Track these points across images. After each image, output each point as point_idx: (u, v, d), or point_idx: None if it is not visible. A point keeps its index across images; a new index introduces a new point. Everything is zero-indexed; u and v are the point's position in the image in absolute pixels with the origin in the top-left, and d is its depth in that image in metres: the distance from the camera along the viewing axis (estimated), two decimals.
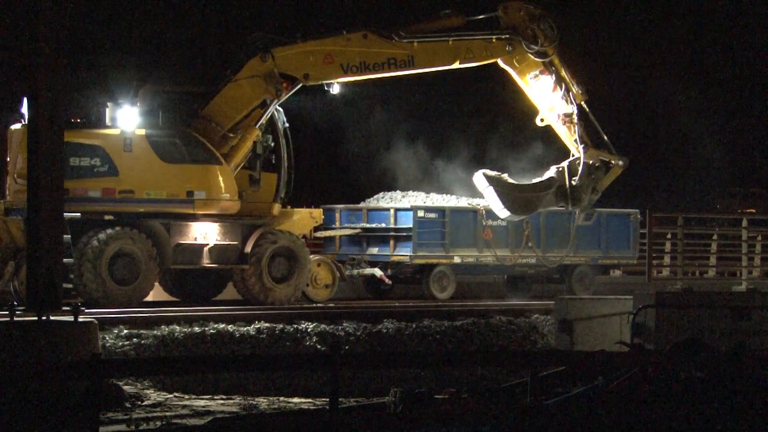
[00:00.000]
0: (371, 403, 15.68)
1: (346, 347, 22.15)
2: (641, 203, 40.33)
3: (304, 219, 27.19)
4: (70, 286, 22.77)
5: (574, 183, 26.09)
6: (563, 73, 26.16)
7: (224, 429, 12.62)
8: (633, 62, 58.24)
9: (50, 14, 16.36)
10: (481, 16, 26.17)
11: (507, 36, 25.87)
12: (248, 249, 25.63)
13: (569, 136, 26.14)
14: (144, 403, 16.68)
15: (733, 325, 21.68)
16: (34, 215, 16.49)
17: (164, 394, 18.32)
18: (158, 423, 15.00)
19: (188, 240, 25.23)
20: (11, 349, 15.37)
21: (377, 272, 29.11)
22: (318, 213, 28.02)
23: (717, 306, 21.79)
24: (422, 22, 26.12)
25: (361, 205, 31.34)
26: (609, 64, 57.05)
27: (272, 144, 26.43)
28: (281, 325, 22.52)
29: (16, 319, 15.81)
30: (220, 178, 24.87)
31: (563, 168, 26.15)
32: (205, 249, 25.41)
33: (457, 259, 29.48)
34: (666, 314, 21.54)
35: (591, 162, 26.02)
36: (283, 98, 25.33)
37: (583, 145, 26.10)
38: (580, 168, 25.97)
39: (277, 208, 26.24)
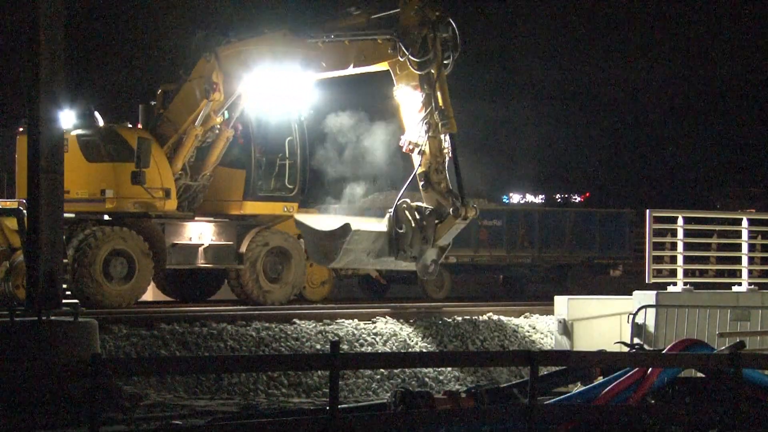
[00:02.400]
0: (371, 403, 15.67)
1: (346, 347, 22.15)
2: (641, 203, 40.41)
3: None
4: (64, 286, 22.81)
5: (399, 230, 22.10)
6: (439, 94, 22.13)
7: (224, 429, 12.61)
8: (633, 61, 58.27)
9: (49, 15, 16.37)
10: (381, 14, 22.88)
11: (389, 37, 22.48)
12: (243, 249, 25.65)
13: (415, 169, 22.22)
14: (144, 403, 16.68)
15: (733, 325, 21.71)
16: (33, 215, 16.49)
17: (164, 394, 18.32)
18: (158, 423, 15.00)
19: (183, 240, 25.25)
20: (11, 349, 15.37)
21: (373, 272, 29.11)
22: (312, 213, 27.98)
23: (717, 306, 21.81)
24: (333, 20, 23.78)
25: (356, 205, 31.27)
26: (608, 63, 57.10)
27: (241, 141, 26.31)
28: (281, 325, 22.54)
29: (16, 319, 15.81)
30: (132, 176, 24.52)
31: (390, 213, 22.34)
32: (200, 249, 25.43)
33: (452, 259, 29.42)
34: (666, 314, 21.56)
35: (422, 207, 22.02)
36: (221, 100, 24.93)
37: (422, 183, 22.12)
38: (407, 213, 22.05)
39: (249, 206, 26.11)
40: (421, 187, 22.20)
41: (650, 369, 14.23)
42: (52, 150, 16.55)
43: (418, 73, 22.15)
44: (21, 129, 25.14)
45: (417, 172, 22.22)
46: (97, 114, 25.82)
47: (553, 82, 58.60)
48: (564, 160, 60.88)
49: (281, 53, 24.06)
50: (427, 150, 22.16)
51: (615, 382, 14.15)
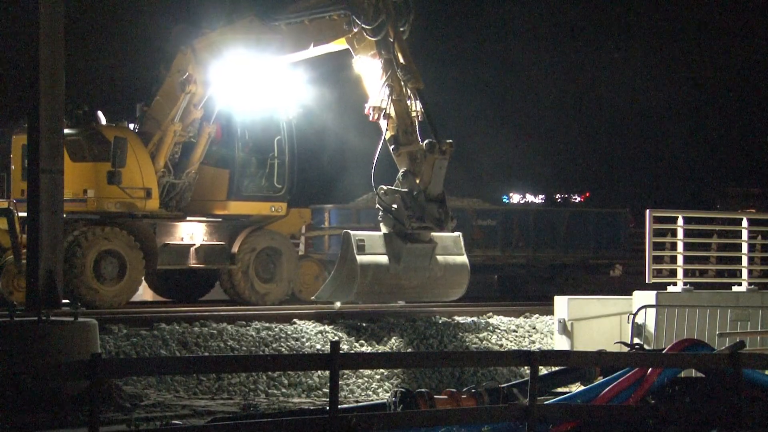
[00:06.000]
0: (371, 403, 15.67)
1: (346, 347, 22.14)
2: (641, 202, 40.35)
3: (292, 218, 27.05)
4: None
5: (394, 210, 22.08)
6: (399, 54, 22.19)
7: (224, 429, 12.61)
8: (633, 60, 58.26)
9: (49, 13, 16.37)
10: None
11: (342, 12, 22.73)
12: (235, 249, 25.57)
13: (383, 134, 22.19)
14: (144, 403, 16.67)
15: (733, 325, 21.71)
16: (33, 215, 16.48)
17: (164, 394, 18.32)
18: (158, 423, 14.99)
19: (174, 240, 25.18)
20: (11, 349, 15.37)
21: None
22: (307, 213, 27.85)
23: (717, 306, 21.80)
24: (295, 2, 23.97)
25: (351, 204, 31.19)
26: (609, 63, 57.07)
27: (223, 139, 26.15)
28: (281, 325, 22.53)
29: (16, 319, 15.81)
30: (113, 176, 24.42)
31: (380, 216, 22.34)
32: (192, 249, 25.35)
33: None
34: (666, 314, 21.56)
35: (396, 179, 22.11)
36: (200, 93, 24.88)
37: (393, 147, 22.13)
38: (388, 194, 22.04)
39: (233, 206, 26.00)
40: (392, 151, 22.23)
41: (650, 369, 14.23)
42: (52, 150, 16.54)
43: (374, 39, 22.30)
44: (19, 129, 25.13)
45: (386, 137, 22.24)
46: (100, 114, 25.75)
47: (552, 81, 58.56)
48: (564, 160, 60.83)
49: (252, 40, 24.16)
50: (393, 113, 22.18)
51: (615, 382, 14.15)
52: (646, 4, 60.56)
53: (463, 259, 23.39)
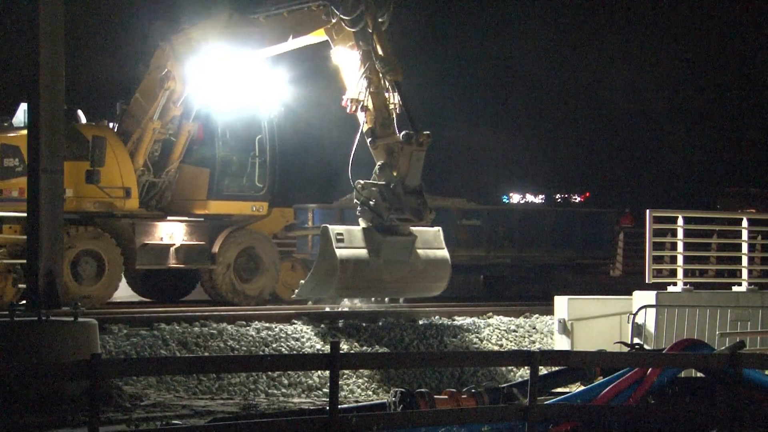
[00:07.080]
0: (371, 403, 15.67)
1: (346, 347, 22.14)
2: (640, 203, 40.33)
3: (274, 218, 26.93)
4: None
5: (371, 205, 21.82)
6: (378, 45, 21.91)
7: (224, 429, 12.61)
8: (633, 61, 58.28)
9: (49, 14, 16.37)
10: None
11: (321, 1, 22.55)
12: (216, 249, 25.47)
13: (361, 127, 21.98)
14: (144, 403, 16.67)
15: (733, 325, 21.72)
16: (33, 215, 16.49)
17: (164, 394, 18.32)
18: (158, 423, 14.99)
19: (154, 240, 25.03)
20: (11, 349, 15.37)
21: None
22: (289, 212, 27.71)
23: (717, 306, 21.82)
24: None
25: (335, 204, 31.10)
26: (609, 63, 57.09)
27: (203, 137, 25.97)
28: (281, 325, 22.53)
29: (16, 319, 15.82)
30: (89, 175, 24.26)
31: (359, 210, 22.16)
32: (172, 249, 25.19)
33: None
34: (666, 314, 21.58)
35: (373, 173, 21.94)
36: (179, 90, 24.77)
37: (370, 140, 21.87)
38: (366, 188, 21.89)
39: (214, 205, 25.86)
40: (369, 144, 22.00)
41: (650, 369, 14.23)
42: (52, 150, 16.54)
43: (353, 30, 22.09)
44: (5, 124, 25.06)
45: (363, 130, 22.03)
46: (80, 112, 25.61)
47: (552, 81, 58.60)
48: (564, 160, 60.87)
49: (232, 34, 24.00)
50: (371, 105, 21.97)
51: (615, 382, 14.15)
52: (646, 4, 60.58)
53: (444, 253, 23.22)
